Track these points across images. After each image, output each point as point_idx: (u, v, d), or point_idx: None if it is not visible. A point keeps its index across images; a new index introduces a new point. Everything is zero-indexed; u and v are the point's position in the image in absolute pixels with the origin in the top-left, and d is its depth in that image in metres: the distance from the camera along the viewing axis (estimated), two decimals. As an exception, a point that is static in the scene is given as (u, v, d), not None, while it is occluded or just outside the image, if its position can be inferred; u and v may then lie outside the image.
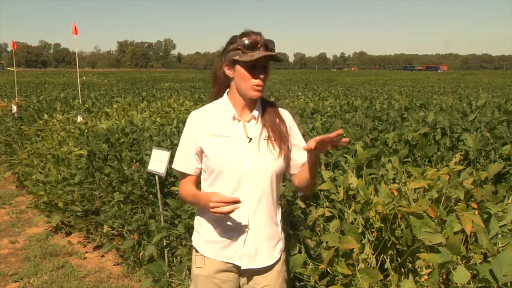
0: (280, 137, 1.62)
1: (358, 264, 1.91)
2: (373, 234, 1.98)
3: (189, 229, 2.80)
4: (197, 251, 1.71)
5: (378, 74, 58.33)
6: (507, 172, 2.65)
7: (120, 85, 20.66)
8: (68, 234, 4.38)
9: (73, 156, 4.45)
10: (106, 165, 3.79)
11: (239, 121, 1.62)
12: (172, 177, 3.27)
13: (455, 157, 2.64)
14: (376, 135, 3.29)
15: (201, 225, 1.71)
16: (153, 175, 3.18)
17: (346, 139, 1.42)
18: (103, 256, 3.87)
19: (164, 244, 3.06)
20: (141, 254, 3.28)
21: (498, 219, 1.78)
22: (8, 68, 77.03)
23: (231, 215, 1.57)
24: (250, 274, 1.66)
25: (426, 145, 2.97)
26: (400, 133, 3.23)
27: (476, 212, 1.95)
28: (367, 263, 1.92)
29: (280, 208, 1.73)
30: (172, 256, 3.16)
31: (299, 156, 1.68)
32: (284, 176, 1.77)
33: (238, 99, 1.62)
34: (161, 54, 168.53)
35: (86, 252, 3.95)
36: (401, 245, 1.83)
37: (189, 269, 2.83)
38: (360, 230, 1.97)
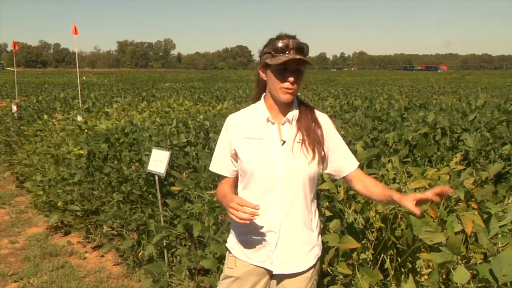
0: (314, 141, 1.58)
1: (358, 264, 1.91)
2: (374, 234, 1.98)
3: (189, 229, 2.80)
4: (229, 252, 1.71)
5: (378, 74, 58.36)
6: (507, 172, 2.65)
7: (120, 85, 20.67)
8: (68, 234, 4.37)
9: (73, 155, 4.45)
10: (105, 165, 3.79)
11: (272, 123, 1.60)
12: (172, 177, 3.27)
13: (455, 157, 2.65)
14: (376, 135, 3.29)
15: (235, 226, 1.70)
16: (153, 175, 3.18)
17: (450, 190, 1.37)
18: (103, 256, 3.87)
19: (164, 244, 3.06)
20: (140, 254, 3.28)
21: (498, 219, 1.78)
22: (8, 68, 76.97)
23: (263, 218, 1.57)
24: (281, 278, 1.65)
25: (426, 145, 2.97)
26: (400, 133, 3.23)
27: (476, 212, 1.95)
28: (367, 263, 1.92)
29: (316, 214, 1.68)
30: (172, 256, 3.16)
31: (340, 158, 1.63)
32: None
33: (272, 101, 1.61)
34: (161, 54, 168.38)
35: (86, 252, 3.95)
36: (401, 245, 1.83)
37: (189, 269, 2.83)
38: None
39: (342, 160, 1.63)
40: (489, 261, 1.53)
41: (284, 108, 1.61)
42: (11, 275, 3.53)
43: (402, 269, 1.90)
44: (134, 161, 3.66)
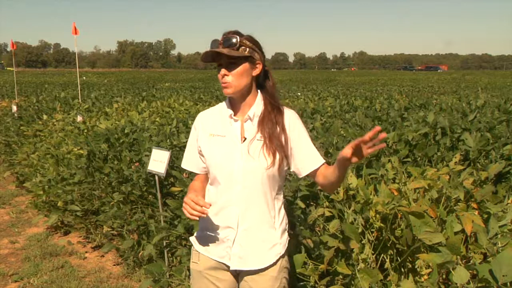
0: (276, 146, 1.55)
1: (358, 264, 1.91)
2: (373, 234, 1.98)
3: (189, 229, 2.80)
4: (193, 246, 1.73)
5: (378, 74, 58.34)
6: (507, 172, 2.65)
7: (120, 85, 20.69)
8: (68, 234, 4.37)
9: (72, 155, 4.45)
10: (105, 165, 3.79)
11: (235, 121, 1.60)
12: (172, 177, 3.27)
13: (455, 157, 2.65)
14: (376, 135, 3.29)
15: (200, 221, 1.71)
16: (153, 175, 3.17)
17: (383, 135, 1.32)
18: (103, 256, 3.87)
19: (164, 244, 3.06)
20: (140, 254, 3.28)
21: (498, 219, 1.78)
22: (8, 68, 76.92)
23: (222, 214, 1.60)
24: (242, 274, 1.65)
25: (426, 145, 2.97)
26: (400, 133, 3.23)
27: (476, 212, 1.95)
28: (367, 263, 1.92)
29: (281, 212, 1.66)
30: (172, 256, 3.16)
31: (301, 159, 1.60)
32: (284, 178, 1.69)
33: (232, 98, 1.62)
34: (161, 54, 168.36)
35: (86, 252, 3.95)
36: (401, 245, 1.83)
37: (189, 269, 2.83)
38: (360, 230, 1.97)
39: (303, 161, 1.60)
40: (489, 261, 1.53)
41: (244, 104, 1.60)
42: (11, 275, 3.53)
43: (402, 269, 1.90)
44: (134, 161, 3.66)
